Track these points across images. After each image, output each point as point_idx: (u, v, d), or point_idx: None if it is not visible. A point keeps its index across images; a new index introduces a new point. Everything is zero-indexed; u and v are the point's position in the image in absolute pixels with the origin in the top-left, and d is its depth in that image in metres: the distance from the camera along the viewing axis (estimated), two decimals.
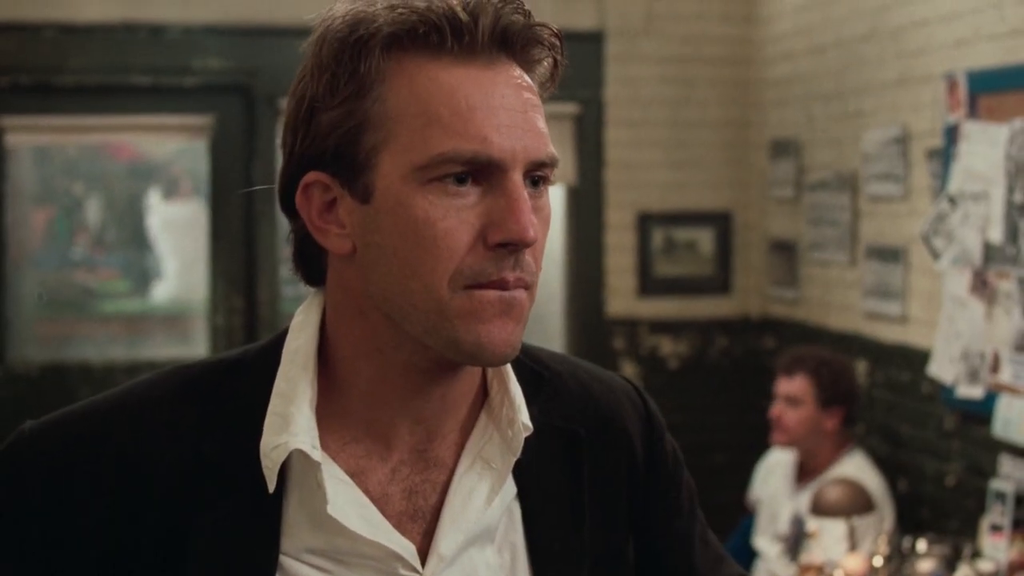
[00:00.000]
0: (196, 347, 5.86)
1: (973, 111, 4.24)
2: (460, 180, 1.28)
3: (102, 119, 5.64)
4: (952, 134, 4.32)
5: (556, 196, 6.11)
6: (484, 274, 1.28)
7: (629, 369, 5.96)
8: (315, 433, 1.32)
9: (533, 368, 1.49)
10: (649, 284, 5.99)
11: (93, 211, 7.06)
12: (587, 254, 5.96)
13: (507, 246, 1.28)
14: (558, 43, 1.40)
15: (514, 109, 1.30)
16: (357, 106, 1.29)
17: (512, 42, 1.34)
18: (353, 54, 1.29)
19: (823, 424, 4.60)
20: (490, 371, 1.43)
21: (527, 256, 1.31)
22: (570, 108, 5.92)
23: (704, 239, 6.03)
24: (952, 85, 4.34)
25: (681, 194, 6.00)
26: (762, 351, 5.98)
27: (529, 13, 1.37)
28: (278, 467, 1.30)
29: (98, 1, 5.54)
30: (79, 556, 1.32)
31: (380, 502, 1.35)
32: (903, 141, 4.71)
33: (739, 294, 6.07)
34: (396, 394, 1.35)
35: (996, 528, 4.03)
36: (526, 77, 1.36)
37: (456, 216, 1.28)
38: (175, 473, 1.32)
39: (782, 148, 5.73)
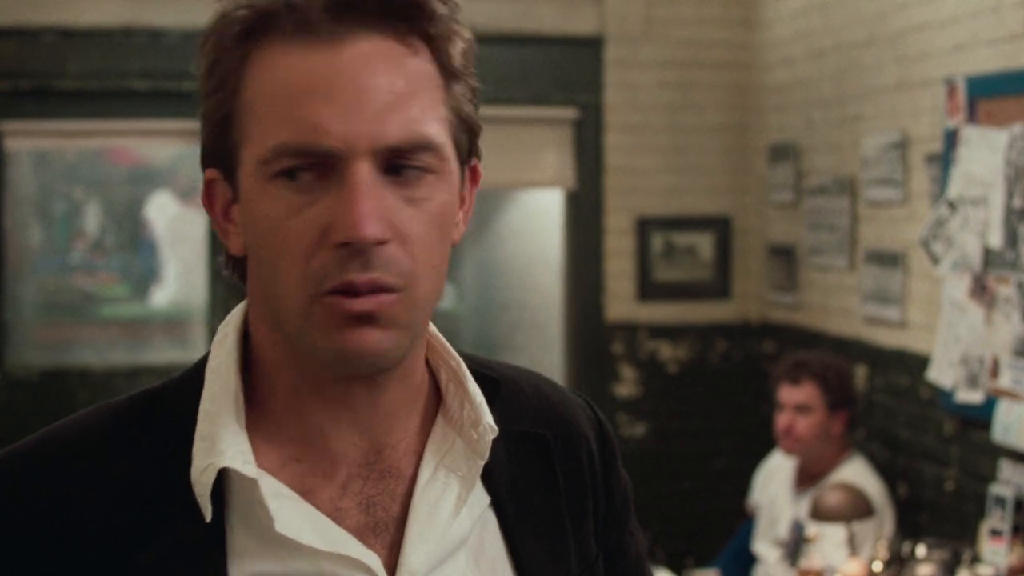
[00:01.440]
0: (196, 351, 5.86)
1: (972, 116, 4.24)
2: (296, 174, 1.17)
3: (102, 124, 5.64)
4: (951, 139, 4.33)
5: (555, 201, 6.12)
6: (330, 278, 1.16)
7: (629, 373, 5.97)
8: (246, 448, 1.22)
9: (484, 373, 1.37)
10: (648, 289, 5.99)
11: (92, 216, 7.07)
12: (586, 259, 5.96)
13: (348, 246, 1.15)
14: (437, 8, 1.21)
15: (360, 90, 1.15)
16: (222, 99, 1.23)
17: (363, 12, 1.17)
18: (216, 46, 1.24)
19: (831, 429, 4.60)
20: (443, 373, 1.33)
21: (390, 253, 1.17)
22: (569, 113, 5.92)
23: (703, 244, 6.03)
24: (951, 90, 4.34)
25: (680, 199, 6.00)
26: (761, 356, 5.98)
27: None
28: (209, 491, 1.19)
29: (98, 5, 5.54)
30: None
31: (335, 518, 1.24)
32: (902, 146, 4.71)
33: (738, 299, 6.07)
34: (323, 405, 1.25)
35: (996, 533, 4.03)
36: (397, 49, 1.19)
37: (300, 215, 1.17)
38: (108, 512, 1.21)
39: (781, 153, 5.74)
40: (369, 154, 1.16)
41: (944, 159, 4.37)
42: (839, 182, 5.21)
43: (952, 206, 4.29)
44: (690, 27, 5.98)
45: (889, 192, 4.81)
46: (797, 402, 4.62)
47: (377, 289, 1.16)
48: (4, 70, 5.50)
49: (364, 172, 1.16)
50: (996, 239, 4.08)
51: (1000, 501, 4.01)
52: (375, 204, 1.16)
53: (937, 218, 4.36)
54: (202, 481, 1.20)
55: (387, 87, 1.16)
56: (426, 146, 1.18)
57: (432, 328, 1.33)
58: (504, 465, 1.35)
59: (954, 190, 4.27)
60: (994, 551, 3.99)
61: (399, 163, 1.18)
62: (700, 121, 6.01)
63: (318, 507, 1.23)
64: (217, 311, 5.70)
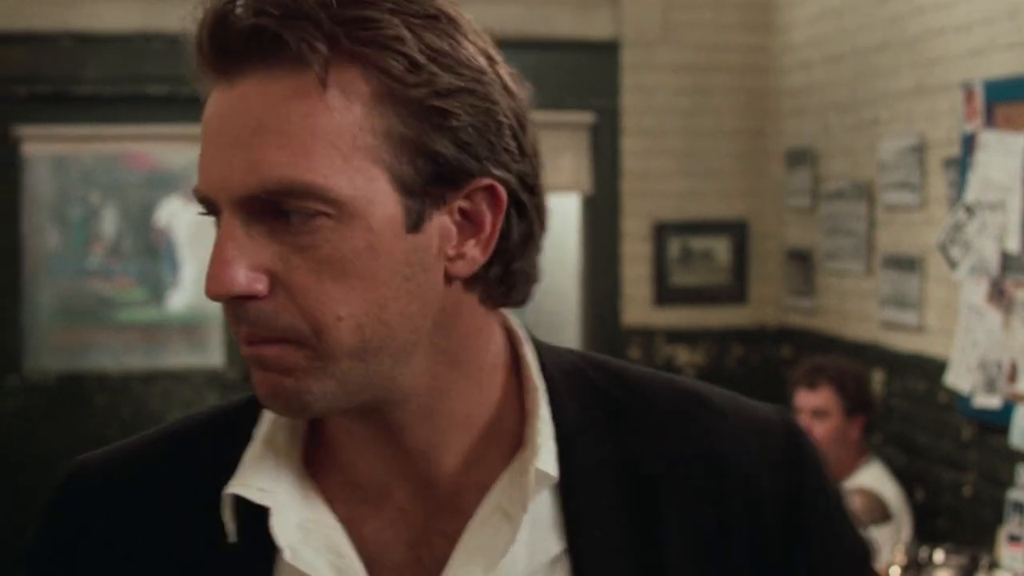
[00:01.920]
0: (212, 355, 5.87)
1: (990, 120, 4.23)
2: (217, 221, 1.10)
3: (119, 128, 5.65)
4: (969, 143, 4.31)
5: (572, 206, 6.11)
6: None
7: None
8: (269, 475, 1.16)
9: (611, 392, 1.22)
10: (665, 293, 5.98)
11: (109, 220, 7.09)
12: (603, 264, 5.96)
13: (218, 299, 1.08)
14: (317, 33, 1.06)
15: (227, 133, 1.08)
16: None
17: (243, 46, 1.07)
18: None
19: (849, 433, 4.59)
20: (528, 401, 1.19)
21: (263, 307, 1.07)
22: (586, 117, 5.92)
23: (720, 248, 6.03)
24: (969, 94, 4.33)
25: (697, 203, 5.99)
26: (778, 360, 5.97)
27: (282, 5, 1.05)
28: (228, 514, 1.16)
29: (115, 11, 5.56)
30: None
31: (375, 552, 1.17)
32: (920, 150, 4.70)
33: (755, 303, 6.06)
34: (353, 437, 1.18)
35: (1014, 539, 4.02)
36: (283, 83, 1.06)
37: None
38: (171, 524, 1.20)
39: (798, 157, 5.72)
40: (230, 202, 1.07)
41: (962, 163, 4.36)
42: (856, 186, 5.19)
43: (970, 210, 4.28)
44: (707, 31, 5.98)
45: (906, 196, 4.80)
46: (814, 407, 4.61)
47: (258, 340, 1.08)
48: (22, 75, 5.51)
49: (225, 222, 1.07)
50: (1014, 243, 4.07)
51: (1018, 506, 4.00)
52: (234, 258, 1.07)
53: (955, 222, 4.35)
54: (226, 503, 1.16)
55: (252, 128, 1.06)
56: (300, 192, 1.05)
57: (525, 349, 1.21)
58: (593, 508, 1.17)
59: (972, 194, 4.26)
60: (1012, 557, 3.98)
61: (284, 208, 1.06)
62: (717, 125, 6.00)
63: (362, 537, 1.17)
64: None
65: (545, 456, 1.15)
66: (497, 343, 1.19)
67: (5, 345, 5.57)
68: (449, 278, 1.12)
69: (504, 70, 1.18)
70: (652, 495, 1.18)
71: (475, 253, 1.12)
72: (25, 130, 5.54)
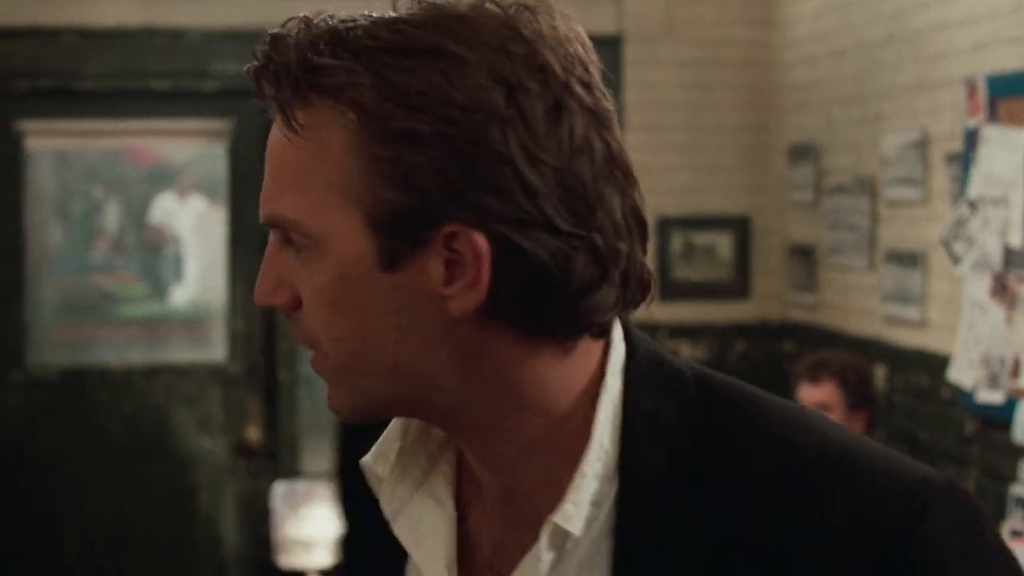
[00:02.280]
0: (215, 351, 5.87)
1: (993, 115, 4.23)
2: None
3: (121, 123, 5.66)
4: (972, 138, 4.31)
5: None
6: None
7: None
8: (394, 445, 1.22)
9: (707, 429, 1.18)
10: (667, 288, 5.98)
11: (111, 215, 7.09)
12: None
13: None
14: (338, 70, 1.10)
15: (267, 166, 1.17)
16: None
17: (287, 88, 1.13)
18: None
19: (851, 428, 4.59)
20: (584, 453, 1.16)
21: (297, 316, 1.16)
22: None
23: (722, 243, 6.02)
24: (972, 89, 4.33)
25: (699, 198, 5.99)
26: (781, 356, 5.97)
27: (310, 45, 1.12)
28: (376, 484, 1.23)
29: (117, 6, 5.56)
30: None
31: (473, 542, 1.21)
32: (922, 145, 4.69)
33: (758, 299, 6.06)
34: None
35: (1016, 534, 4.02)
36: (296, 120, 1.12)
37: None
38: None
39: (801, 152, 5.72)
40: (269, 227, 1.17)
41: (964, 158, 4.36)
42: (859, 181, 5.19)
43: (972, 206, 4.27)
44: (710, 26, 5.97)
45: (909, 192, 4.79)
46: (816, 401, 4.61)
47: (305, 346, 1.19)
48: (24, 70, 5.51)
49: (270, 240, 1.18)
50: (1017, 238, 4.07)
51: (1021, 502, 4.00)
52: (270, 272, 1.17)
53: (957, 218, 4.35)
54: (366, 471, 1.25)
55: (275, 163, 1.16)
56: (278, 223, 1.15)
57: (607, 383, 1.17)
58: (659, 553, 1.13)
59: (974, 190, 4.26)
60: (1015, 552, 3.98)
61: (286, 236, 1.16)
62: (719, 120, 6.00)
63: (469, 525, 1.22)
64: (236, 311, 5.71)
65: (568, 512, 1.12)
66: (568, 373, 1.16)
67: (8, 340, 5.57)
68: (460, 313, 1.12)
69: (534, 101, 1.14)
70: (727, 556, 1.11)
71: (467, 295, 1.10)
72: (27, 125, 5.54)
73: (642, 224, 1.18)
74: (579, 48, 1.23)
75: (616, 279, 1.16)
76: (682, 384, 1.23)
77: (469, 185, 1.09)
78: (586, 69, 1.26)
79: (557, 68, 1.18)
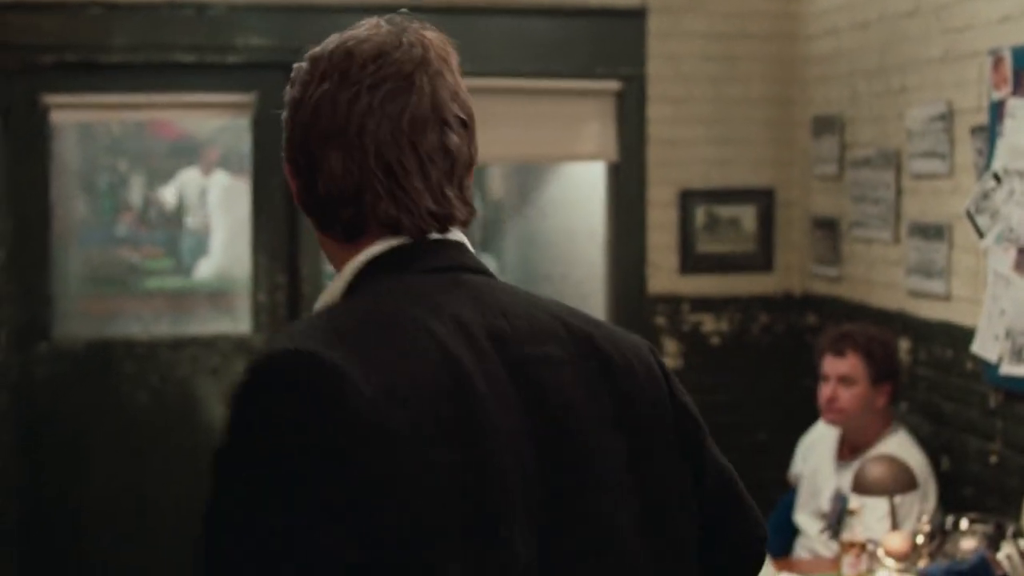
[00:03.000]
0: (240, 322, 5.90)
1: (1018, 87, 4.21)
2: None
3: (146, 97, 5.67)
4: (997, 111, 4.30)
5: (597, 173, 6.11)
6: None
7: (671, 346, 5.96)
8: None
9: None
10: (691, 261, 5.98)
11: (137, 189, 7.12)
12: (629, 232, 5.96)
13: None
14: None
15: None
16: None
17: None
18: None
19: (875, 401, 4.59)
20: None
21: None
22: (612, 85, 5.91)
23: (746, 216, 6.02)
24: (997, 61, 4.31)
25: (723, 171, 5.99)
26: (804, 329, 5.97)
27: None
28: None
29: None
30: None
31: None
32: (947, 118, 4.68)
33: (781, 271, 6.06)
34: None
35: None
36: None
37: None
38: None
39: (825, 125, 5.71)
40: None
41: (990, 131, 4.34)
42: (883, 154, 5.18)
43: (997, 178, 4.26)
44: None
45: (934, 164, 4.78)
46: (841, 373, 4.61)
47: None
48: (50, 43, 5.53)
49: None
50: None
51: None
52: None
53: (982, 190, 4.34)
54: None
55: None
56: None
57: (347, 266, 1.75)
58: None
59: (1000, 162, 4.25)
60: None
61: None
62: (744, 93, 5.99)
63: None
64: (261, 282, 5.73)
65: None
66: (341, 257, 1.74)
67: (35, 313, 5.61)
68: None
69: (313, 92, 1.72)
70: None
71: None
72: (53, 98, 5.56)
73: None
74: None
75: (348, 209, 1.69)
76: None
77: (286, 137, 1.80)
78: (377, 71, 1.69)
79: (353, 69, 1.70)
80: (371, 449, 1.49)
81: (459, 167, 1.70)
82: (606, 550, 1.64)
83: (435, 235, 1.69)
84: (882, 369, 4.59)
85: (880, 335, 4.68)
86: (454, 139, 1.68)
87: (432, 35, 1.72)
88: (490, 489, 1.54)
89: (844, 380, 4.61)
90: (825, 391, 4.63)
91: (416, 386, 1.54)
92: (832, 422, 4.67)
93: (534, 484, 1.59)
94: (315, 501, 1.48)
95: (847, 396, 4.58)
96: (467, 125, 1.71)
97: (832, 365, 4.64)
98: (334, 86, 1.67)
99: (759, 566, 1.85)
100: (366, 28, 1.72)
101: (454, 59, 1.71)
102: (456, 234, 1.72)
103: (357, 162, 1.65)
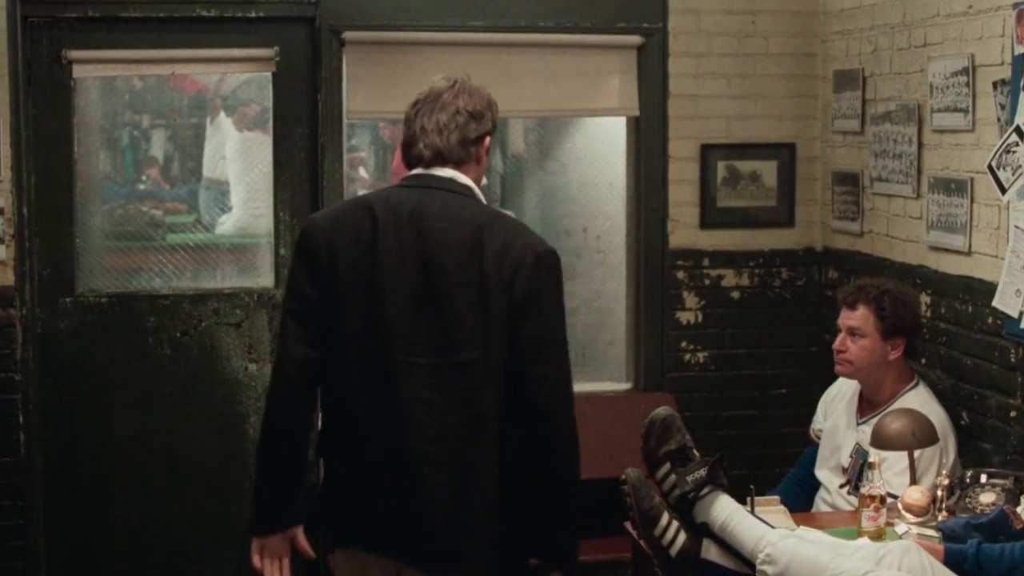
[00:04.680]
0: (262, 277, 5.92)
1: None
2: None
3: (167, 52, 5.68)
4: (1020, 65, 4.28)
5: (619, 127, 6.11)
6: None
7: (691, 301, 5.97)
8: None
9: None
10: (712, 216, 5.98)
11: (158, 144, 7.12)
12: (650, 186, 5.96)
13: None
14: None
15: None
16: None
17: None
18: None
19: (886, 355, 4.59)
20: None
21: None
22: (633, 39, 5.90)
23: (767, 171, 6.01)
24: (1020, 15, 4.29)
25: (744, 126, 5.98)
26: (825, 283, 5.97)
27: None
28: None
29: None
30: None
31: None
32: (970, 72, 4.66)
33: (802, 226, 6.06)
34: None
35: None
36: None
37: None
38: None
39: (847, 79, 5.69)
40: None
41: (1013, 85, 4.33)
42: (905, 109, 5.17)
43: (1020, 133, 4.25)
44: None
45: (956, 119, 4.77)
46: (850, 325, 4.64)
47: None
48: None
49: None
50: None
51: None
52: None
53: (1004, 145, 4.33)
54: None
55: None
56: None
57: None
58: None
59: (1022, 117, 4.24)
60: None
61: None
62: (765, 47, 5.97)
63: None
64: (282, 236, 5.75)
65: None
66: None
67: (59, 267, 5.64)
68: None
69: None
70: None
71: None
72: (75, 54, 5.57)
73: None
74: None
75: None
76: None
77: None
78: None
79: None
80: (322, 249, 3.33)
81: (461, 132, 3.40)
82: (447, 324, 3.26)
83: (429, 168, 3.41)
84: (892, 324, 4.59)
85: (896, 289, 4.66)
86: (458, 119, 3.40)
87: (463, 83, 3.49)
88: (379, 276, 3.28)
89: (853, 332, 4.62)
90: (836, 342, 4.67)
91: (349, 224, 3.34)
92: (842, 373, 4.70)
93: (409, 281, 3.27)
94: (298, 271, 3.38)
95: (855, 348, 4.60)
96: (472, 114, 3.42)
97: (844, 317, 4.66)
98: (411, 106, 3.48)
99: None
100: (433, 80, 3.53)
101: (472, 93, 3.46)
102: (444, 170, 3.39)
103: (412, 131, 3.44)
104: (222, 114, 6.43)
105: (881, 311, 4.58)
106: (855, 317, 4.62)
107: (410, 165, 3.41)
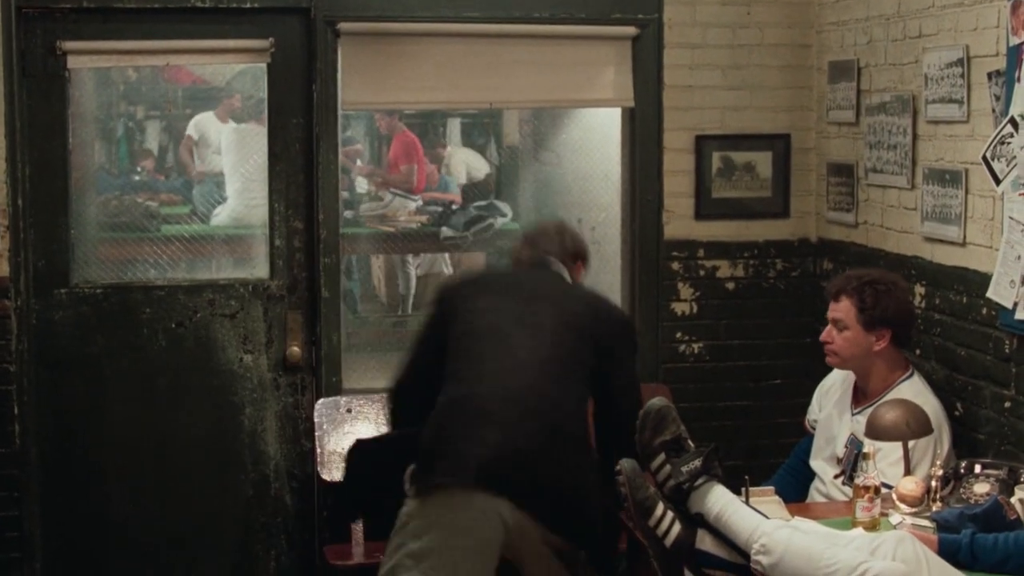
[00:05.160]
0: (257, 268, 5.92)
1: None
2: None
3: (162, 43, 5.67)
4: (1015, 56, 4.29)
5: (614, 117, 6.11)
6: None
7: (686, 291, 5.98)
8: None
9: None
10: (707, 207, 5.98)
11: (153, 135, 7.12)
12: (645, 177, 5.96)
13: None
14: None
15: None
16: None
17: None
18: None
19: (871, 346, 4.60)
20: None
21: None
22: (628, 30, 5.90)
23: (762, 162, 6.02)
24: (1016, 6, 4.30)
25: (739, 117, 5.98)
26: (820, 274, 5.98)
27: None
28: None
29: None
30: None
31: None
32: (964, 63, 4.66)
33: (797, 217, 6.06)
34: None
35: None
36: None
37: None
38: None
39: (842, 70, 5.70)
40: None
41: (1008, 76, 4.33)
42: (900, 100, 5.17)
43: (1015, 124, 4.26)
44: None
45: (951, 110, 4.78)
46: (834, 317, 4.66)
47: None
48: None
49: None
50: None
51: None
52: None
53: (999, 136, 4.34)
54: None
55: None
56: None
57: None
58: None
59: (1017, 108, 4.24)
60: None
61: None
62: (760, 38, 5.97)
63: None
64: (277, 227, 5.75)
65: None
66: None
67: (54, 258, 5.63)
68: None
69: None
70: None
71: None
72: (70, 44, 5.56)
73: None
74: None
75: None
76: None
77: None
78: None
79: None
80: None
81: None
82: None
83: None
84: (873, 315, 4.58)
85: (878, 280, 4.65)
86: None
87: None
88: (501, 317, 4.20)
89: (837, 324, 4.64)
90: (823, 334, 4.70)
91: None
92: (831, 364, 4.73)
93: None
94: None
95: (839, 340, 4.63)
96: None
97: (830, 309, 4.69)
98: None
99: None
100: None
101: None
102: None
103: None
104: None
105: (862, 303, 4.59)
106: (838, 309, 4.64)
107: None
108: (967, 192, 4.68)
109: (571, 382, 4.08)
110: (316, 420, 5.65)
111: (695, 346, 6.02)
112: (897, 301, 4.63)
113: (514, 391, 3.97)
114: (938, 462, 4.27)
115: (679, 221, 5.97)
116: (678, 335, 6.00)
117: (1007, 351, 4.47)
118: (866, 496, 3.99)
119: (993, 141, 4.37)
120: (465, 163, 9.05)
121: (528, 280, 4.42)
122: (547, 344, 4.10)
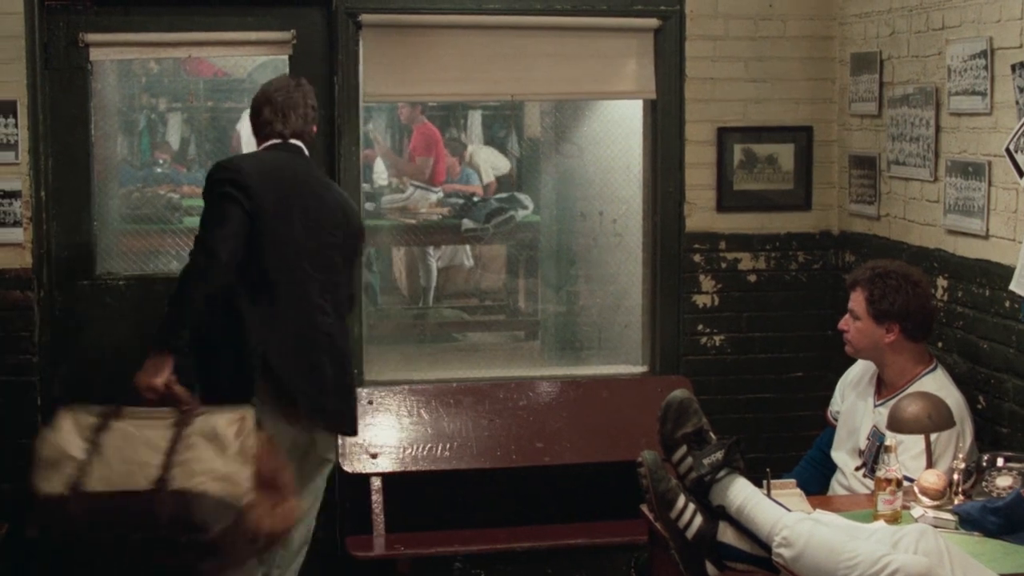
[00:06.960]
0: None
1: None
2: None
3: (184, 35, 5.68)
4: None
5: (636, 109, 6.10)
6: None
7: (708, 284, 5.97)
8: None
9: None
10: (728, 199, 5.97)
11: (174, 127, 7.14)
12: (667, 169, 5.95)
13: None
14: None
15: None
16: None
17: None
18: None
19: (881, 338, 4.60)
20: None
21: None
22: (650, 22, 5.89)
23: (784, 154, 6.00)
24: None
25: (761, 109, 5.97)
26: (842, 267, 5.97)
27: None
28: None
29: None
30: None
31: None
32: (988, 55, 4.65)
33: (819, 209, 6.05)
34: None
35: None
36: None
37: None
38: None
39: (864, 62, 5.68)
40: None
41: None
42: (923, 92, 5.15)
43: None
44: None
45: (974, 102, 4.76)
46: (849, 307, 4.69)
47: None
48: None
49: None
50: None
51: None
52: None
53: (1022, 128, 4.32)
54: None
55: None
56: None
57: None
58: None
59: None
60: None
61: None
62: (782, 30, 5.96)
63: None
64: None
65: None
66: None
67: (77, 250, 5.65)
68: None
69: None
70: None
71: None
72: (93, 36, 5.57)
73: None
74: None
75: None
76: None
77: None
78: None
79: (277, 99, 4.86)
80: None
81: (305, 115, 4.84)
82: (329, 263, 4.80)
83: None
84: (880, 308, 4.58)
85: (891, 272, 4.63)
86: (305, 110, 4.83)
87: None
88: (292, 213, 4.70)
89: (852, 313, 4.68)
90: (840, 322, 4.73)
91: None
92: (847, 352, 4.75)
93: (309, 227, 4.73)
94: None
95: (853, 329, 4.67)
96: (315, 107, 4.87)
97: (850, 298, 4.71)
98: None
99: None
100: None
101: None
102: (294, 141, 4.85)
103: None
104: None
105: (871, 295, 4.60)
106: (853, 299, 4.68)
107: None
108: (990, 184, 4.66)
109: None
110: None
111: (716, 338, 6.02)
112: (907, 296, 4.59)
113: None
114: (960, 455, 4.26)
115: (701, 213, 5.96)
116: (699, 327, 6.00)
117: None
118: (888, 489, 3.98)
119: (1017, 133, 4.36)
120: (487, 162, 9.05)
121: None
122: None
